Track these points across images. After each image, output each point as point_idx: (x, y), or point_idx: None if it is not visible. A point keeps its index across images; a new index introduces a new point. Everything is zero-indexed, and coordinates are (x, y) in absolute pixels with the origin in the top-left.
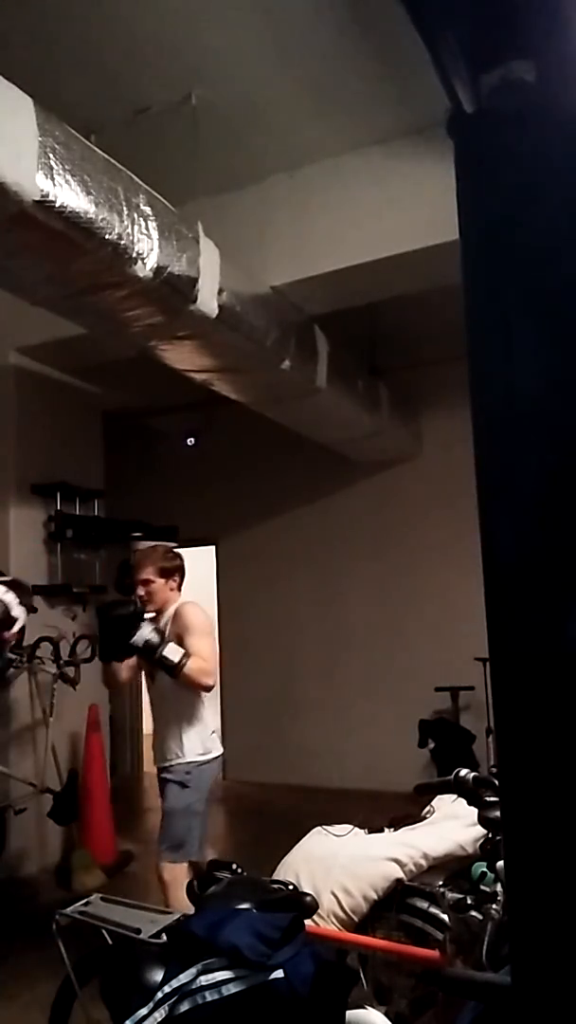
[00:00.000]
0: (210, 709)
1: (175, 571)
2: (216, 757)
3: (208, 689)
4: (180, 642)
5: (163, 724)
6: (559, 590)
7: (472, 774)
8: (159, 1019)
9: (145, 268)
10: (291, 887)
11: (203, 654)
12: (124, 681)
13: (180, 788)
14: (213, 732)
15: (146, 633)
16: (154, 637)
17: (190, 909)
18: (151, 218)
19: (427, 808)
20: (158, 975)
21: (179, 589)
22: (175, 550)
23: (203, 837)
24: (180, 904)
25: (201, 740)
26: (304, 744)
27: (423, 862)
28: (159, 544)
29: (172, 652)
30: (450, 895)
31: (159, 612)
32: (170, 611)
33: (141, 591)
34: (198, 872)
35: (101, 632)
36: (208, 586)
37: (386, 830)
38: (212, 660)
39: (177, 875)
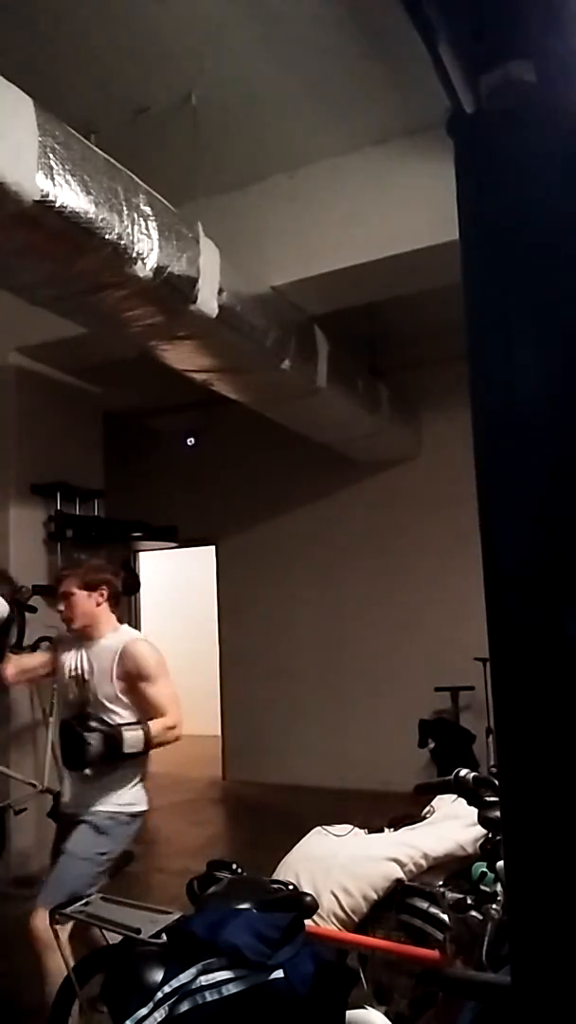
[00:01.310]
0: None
1: (101, 584)
2: (143, 811)
3: (176, 740)
4: (131, 688)
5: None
6: (559, 590)
7: (472, 774)
8: (159, 1019)
9: (145, 268)
10: (291, 887)
11: (167, 705)
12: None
13: (95, 833)
14: (145, 781)
15: (97, 745)
16: (110, 742)
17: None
18: (151, 218)
19: (427, 808)
20: (158, 975)
21: (111, 605)
22: (104, 565)
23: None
24: (58, 969)
25: (135, 790)
26: (304, 744)
27: (423, 862)
28: (91, 559)
29: (134, 743)
30: (450, 895)
31: (86, 629)
32: (106, 641)
33: (61, 606)
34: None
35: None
36: (208, 586)
37: (386, 830)
38: (176, 705)
39: (55, 933)
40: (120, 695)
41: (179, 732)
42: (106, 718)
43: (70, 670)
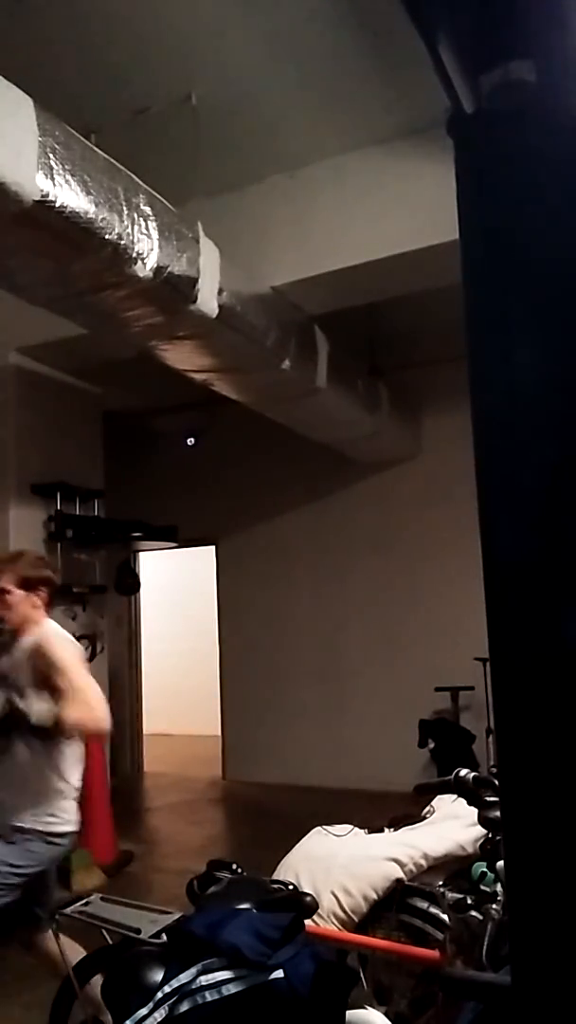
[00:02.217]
0: (74, 766)
1: (41, 583)
2: (71, 832)
3: (103, 731)
4: (47, 683)
5: (24, 772)
6: (559, 590)
7: (472, 774)
8: (159, 1019)
9: (145, 268)
10: (291, 887)
11: (83, 694)
12: None
13: (8, 842)
14: (74, 798)
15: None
16: (16, 702)
17: None
18: (151, 218)
19: (427, 808)
20: (158, 975)
21: (46, 607)
22: (44, 559)
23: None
24: None
25: (63, 805)
26: (304, 744)
27: (423, 862)
28: (27, 550)
29: (40, 716)
30: (450, 895)
31: (17, 633)
32: (29, 638)
33: None
34: None
35: None
36: (208, 586)
37: (386, 830)
38: (97, 697)
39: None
40: (38, 692)
41: (103, 725)
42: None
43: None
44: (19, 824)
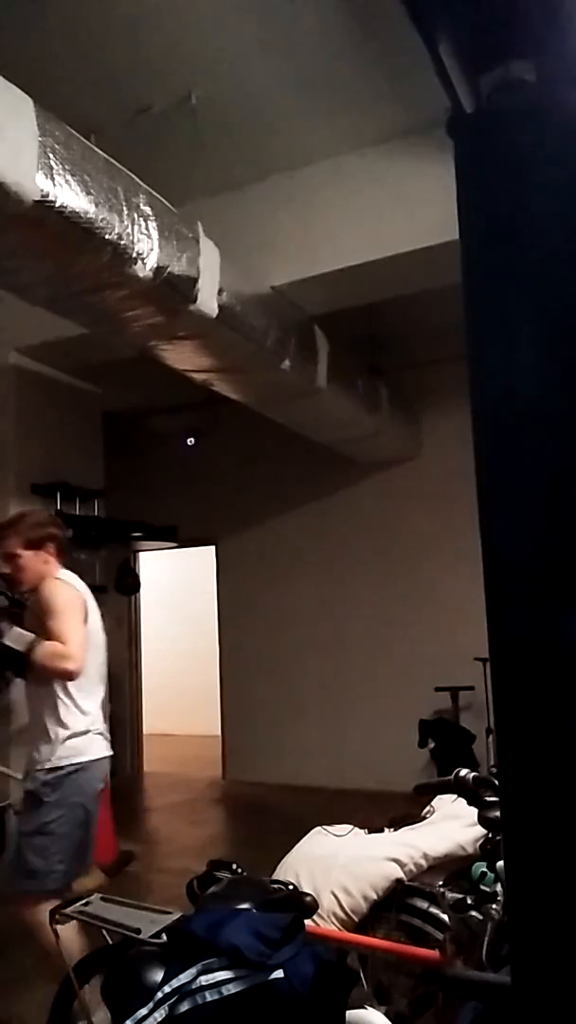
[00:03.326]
0: (89, 701)
1: (46, 539)
2: (87, 762)
3: (69, 676)
4: (41, 626)
5: (28, 724)
6: (559, 590)
7: (472, 774)
8: (159, 1019)
9: (145, 268)
10: (291, 887)
11: (63, 636)
12: None
13: (35, 803)
14: (88, 732)
15: None
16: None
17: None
18: (151, 218)
19: (427, 808)
20: (158, 975)
21: (59, 559)
22: (48, 515)
23: (76, 863)
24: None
25: (65, 743)
26: (304, 744)
27: (423, 862)
28: (28, 511)
29: (15, 639)
30: (450, 895)
31: (35, 590)
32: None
33: (6, 568)
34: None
35: None
36: (208, 586)
37: (386, 830)
38: (75, 642)
39: (42, 913)
40: (38, 636)
41: (71, 667)
42: (30, 676)
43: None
44: (38, 770)
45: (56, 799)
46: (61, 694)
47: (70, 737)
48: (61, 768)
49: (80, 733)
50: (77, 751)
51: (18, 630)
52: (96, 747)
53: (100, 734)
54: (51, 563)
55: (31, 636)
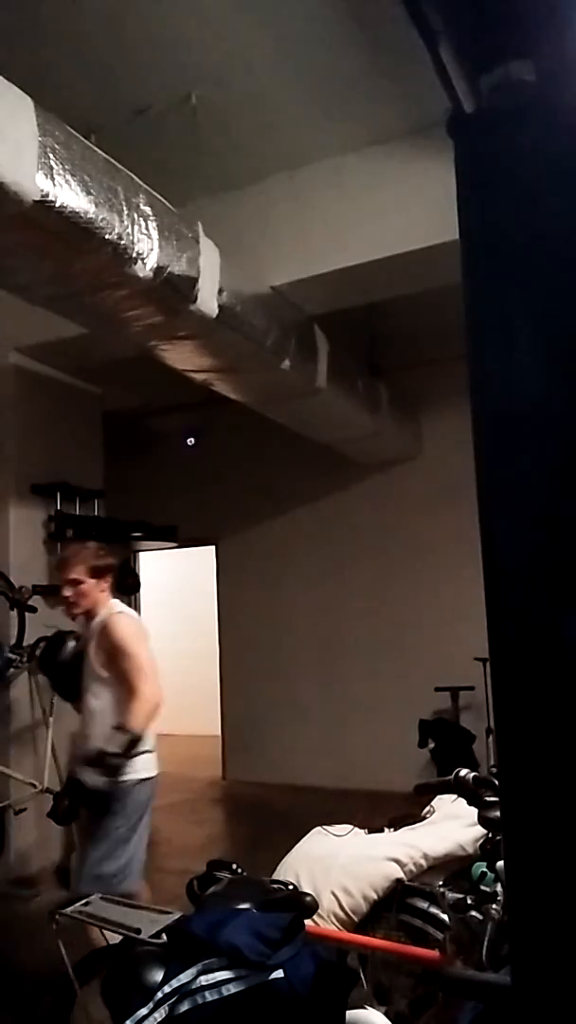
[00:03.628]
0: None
1: (107, 570)
2: (149, 778)
3: (159, 710)
4: (109, 664)
5: (92, 734)
6: (559, 590)
7: (472, 774)
8: (159, 1019)
9: (145, 268)
10: (291, 887)
11: (138, 675)
12: None
13: (102, 812)
14: (151, 752)
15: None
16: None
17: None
18: (151, 218)
19: (427, 808)
20: (158, 975)
21: (110, 591)
22: (105, 548)
23: (135, 868)
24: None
25: (134, 759)
26: (304, 744)
27: (423, 862)
28: (89, 542)
29: (115, 743)
30: (450, 895)
31: (88, 615)
32: (98, 619)
33: (68, 591)
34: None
35: (54, 679)
36: (208, 586)
37: (386, 830)
38: (150, 678)
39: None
40: (101, 670)
41: (154, 705)
42: (89, 696)
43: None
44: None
45: (122, 809)
46: (122, 712)
47: (138, 754)
48: (129, 781)
49: (147, 751)
50: (143, 767)
51: (114, 748)
52: (153, 765)
53: (154, 752)
54: (106, 592)
55: (120, 737)
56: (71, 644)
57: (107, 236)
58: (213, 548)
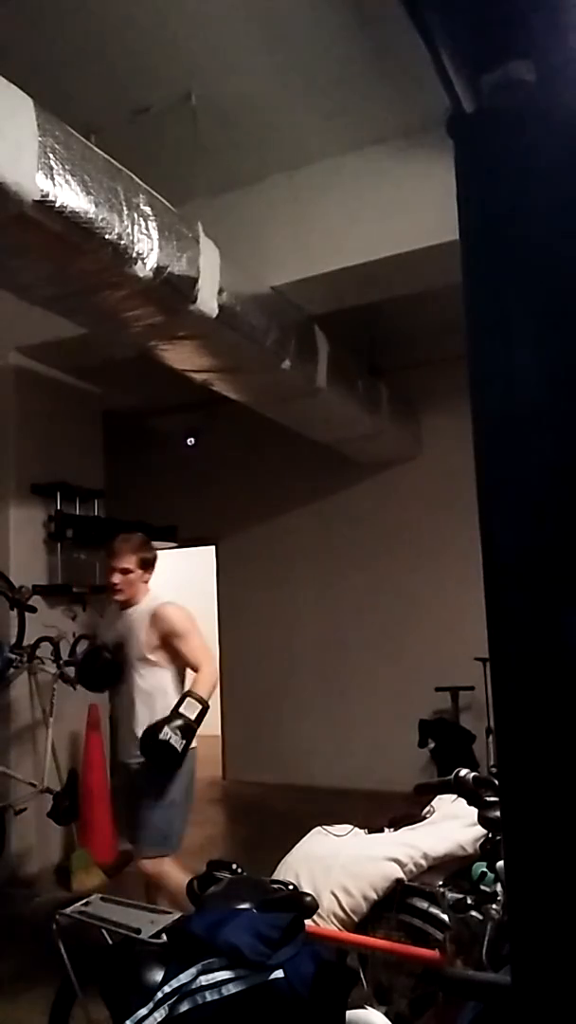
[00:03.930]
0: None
1: (152, 563)
2: (195, 747)
3: (217, 680)
4: (165, 645)
5: (132, 714)
6: (559, 590)
7: (472, 774)
8: (159, 1019)
9: (145, 268)
10: (291, 887)
11: (197, 652)
12: None
13: (160, 777)
14: None
15: (171, 733)
16: (180, 724)
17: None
18: (151, 218)
19: (427, 808)
20: (158, 975)
21: (148, 581)
22: (147, 539)
23: (184, 827)
24: (177, 887)
25: None
26: (304, 744)
27: (423, 862)
28: (134, 533)
29: (190, 709)
30: (450, 895)
31: (125, 604)
32: (141, 607)
33: (117, 579)
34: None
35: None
36: (208, 586)
37: (386, 830)
38: (207, 653)
39: (166, 865)
40: (149, 655)
41: (215, 676)
42: (136, 676)
43: (113, 641)
44: None
45: (183, 773)
46: (181, 687)
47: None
48: (191, 748)
49: None
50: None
51: (189, 701)
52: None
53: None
54: (147, 584)
55: (195, 701)
56: (105, 655)
57: (107, 236)
58: (213, 548)
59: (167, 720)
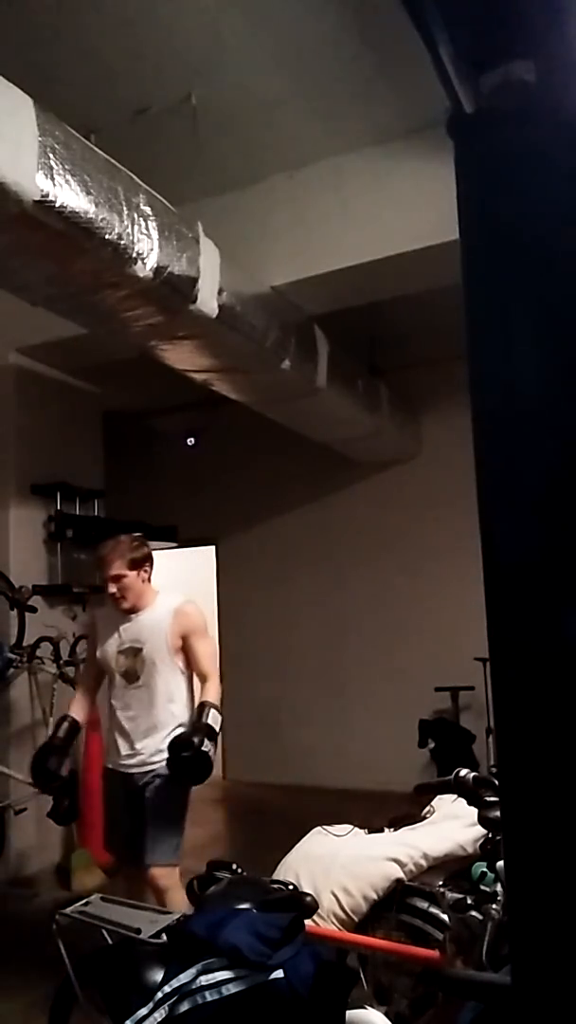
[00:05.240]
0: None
1: (145, 561)
2: None
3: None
4: (185, 643)
5: (149, 721)
6: (559, 590)
7: (472, 774)
8: (159, 1019)
9: (145, 268)
10: (291, 887)
11: (208, 653)
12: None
13: (169, 786)
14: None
15: (210, 745)
16: (206, 738)
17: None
18: (151, 218)
19: (427, 808)
20: (158, 975)
21: (150, 579)
22: (140, 536)
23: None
24: (183, 903)
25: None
26: (304, 744)
27: (423, 862)
28: (122, 535)
29: (214, 719)
30: (450, 895)
31: (135, 608)
32: (158, 608)
33: (113, 588)
34: None
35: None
36: (208, 586)
37: (386, 830)
38: (215, 664)
39: (175, 877)
40: (173, 657)
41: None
42: (158, 679)
43: (120, 644)
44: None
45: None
46: (190, 694)
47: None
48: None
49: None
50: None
51: (213, 714)
52: None
53: None
54: (148, 582)
55: (213, 712)
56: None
57: (107, 236)
58: (213, 548)
59: (199, 730)
